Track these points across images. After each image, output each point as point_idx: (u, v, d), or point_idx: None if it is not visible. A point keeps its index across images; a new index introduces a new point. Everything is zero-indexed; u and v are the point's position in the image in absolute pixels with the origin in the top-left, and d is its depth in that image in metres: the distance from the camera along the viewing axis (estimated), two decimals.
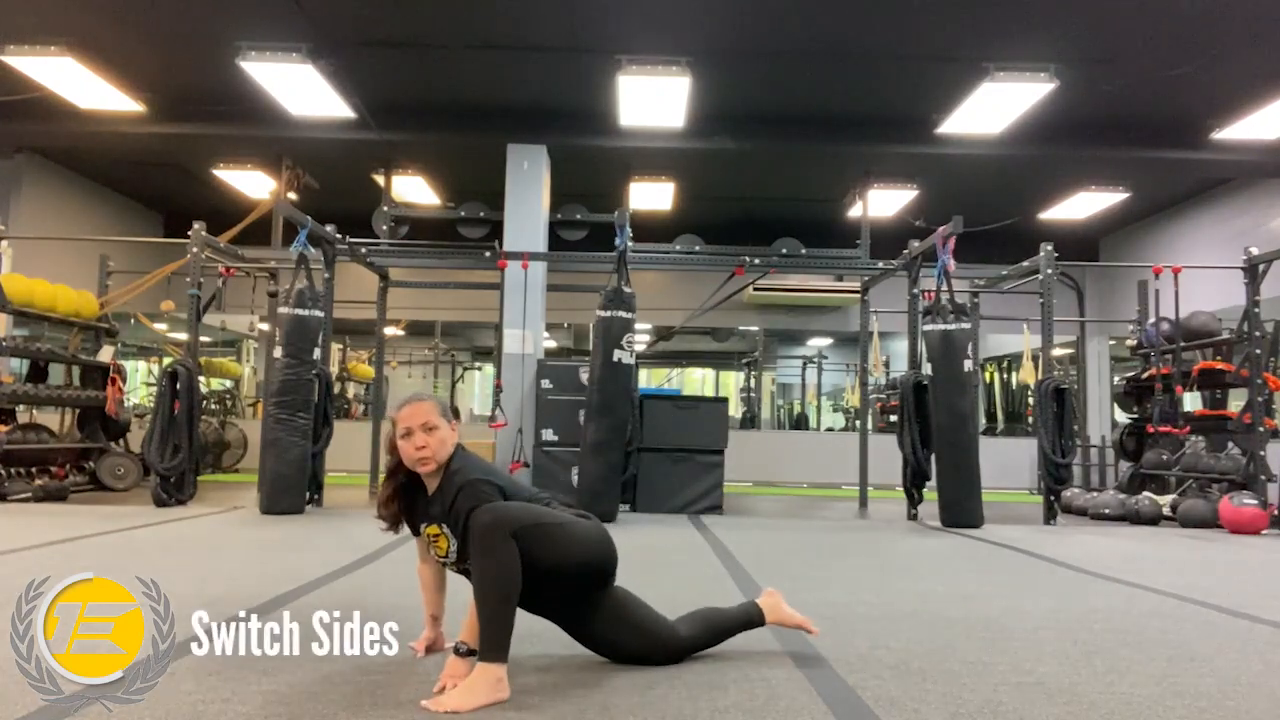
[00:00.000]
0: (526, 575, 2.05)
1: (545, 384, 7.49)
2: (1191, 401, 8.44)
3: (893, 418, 10.16)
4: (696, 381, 16.36)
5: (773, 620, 2.46)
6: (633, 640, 2.29)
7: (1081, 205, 10.92)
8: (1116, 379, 10.49)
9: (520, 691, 2.02)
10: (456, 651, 2.08)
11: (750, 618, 2.45)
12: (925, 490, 6.83)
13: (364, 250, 7.91)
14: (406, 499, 2.33)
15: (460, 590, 2.45)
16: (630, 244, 6.95)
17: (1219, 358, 7.62)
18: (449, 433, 2.24)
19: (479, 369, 15.07)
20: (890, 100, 8.28)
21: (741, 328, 13.61)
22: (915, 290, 7.40)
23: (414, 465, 2.22)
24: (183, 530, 5.08)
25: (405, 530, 2.39)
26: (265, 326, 10.59)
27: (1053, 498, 6.60)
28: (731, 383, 15.92)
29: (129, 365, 10.91)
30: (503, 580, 2.00)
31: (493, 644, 1.98)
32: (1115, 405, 10.91)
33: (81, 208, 10.96)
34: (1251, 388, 6.89)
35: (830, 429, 14.49)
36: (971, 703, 2.05)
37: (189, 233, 6.77)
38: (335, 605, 2.97)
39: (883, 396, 13.19)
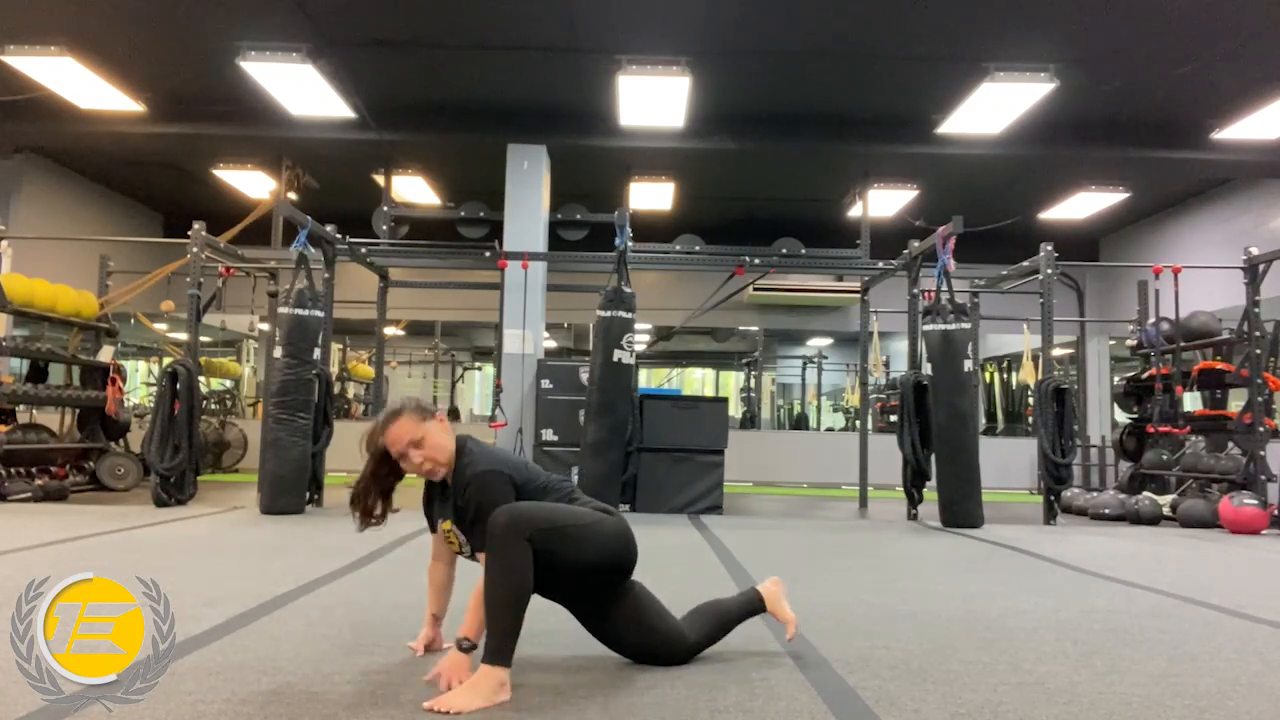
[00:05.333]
0: (543, 572, 2.05)
1: (545, 384, 7.49)
2: (1191, 401, 8.43)
3: (893, 418, 10.15)
4: (696, 381, 16.35)
5: (771, 609, 2.46)
6: (641, 640, 2.29)
7: (1081, 205, 10.91)
8: (1116, 379, 10.48)
9: (521, 692, 2.02)
10: (459, 647, 2.07)
11: (752, 606, 2.45)
12: (925, 490, 6.83)
13: (364, 250, 7.92)
14: (426, 496, 2.35)
15: (462, 591, 2.45)
16: (630, 244, 6.96)
17: (1219, 358, 7.61)
18: (436, 428, 2.20)
19: (479, 369, 15.07)
20: (890, 100, 8.28)
21: (741, 328, 13.61)
22: (915, 290, 7.40)
23: (427, 478, 2.22)
24: (183, 530, 5.08)
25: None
26: (265, 326, 10.59)
27: (1053, 498, 6.61)
28: (731, 383, 15.92)
29: (129, 365, 10.92)
30: (513, 586, 2.00)
31: (498, 648, 1.97)
32: (1115, 405, 10.91)
33: (81, 208, 10.96)
34: (1251, 388, 6.89)
35: (830, 429, 14.49)
36: (971, 703, 2.05)
37: (189, 233, 6.78)
38: (335, 605, 2.99)
39: (883, 396, 13.20)
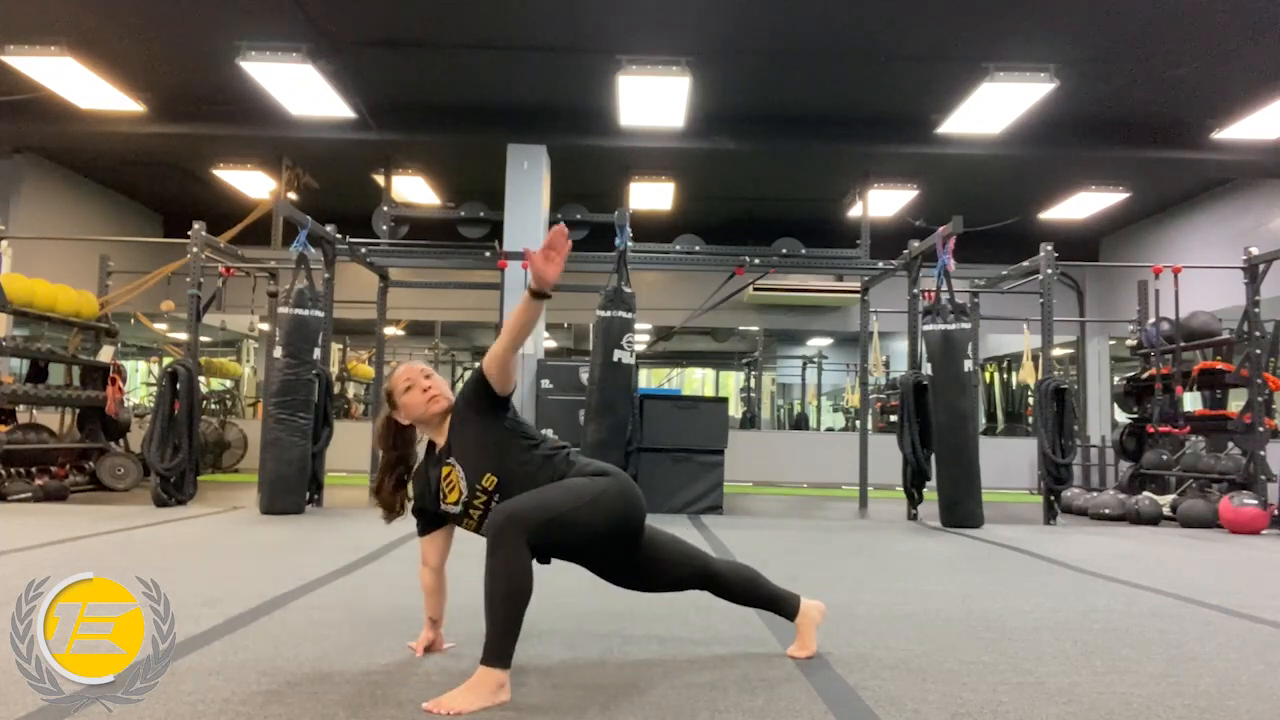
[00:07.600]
0: (554, 551, 2.18)
1: (545, 384, 7.49)
2: (1191, 401, 8.43)
3: (893, 418, 10.16)
4: (696, 381, 16.35)
5: (800, 623, 2.43)
6: (668, 576, 2.37)
7: (1081, 205, 10.91)
8: (1116, 379, 10.49)
9: (521, 692, 2.02)
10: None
11: (787, 602, 2.42)
12: (925, 490, 6.83)
13: (364, 250, 7.91)
14: (419, 484, 2.36)
15: (458, 593, 2.46)
16: (630, 244, 6.96)
17: (1219, 358, 7.61)
18: (442, 380, 2.35)
19: None
20: (890, 100, 8.28)
21: (741, 328, 13.60)
22: (915, 290, 7.40)
23: (427, 410, 2.27)
24: (183, 530, 5.08)
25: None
26: (265, 326, 10.59)
27: (1053, 498, 6.61)
28: (731, 383, 15.92)
29: (129, 365, 10.92)
30: (512, 586, 1.99)
31: (497, 649, 1.97)
32: (1115, 405, 10.91)
33: (81, 208, 10.96)
34: (1251, 388, 6.89)
35: (830, 429, 14.48)
36: (971, 703, 2.05)
37: (189, 233, 6.78)
38: (335, 605, 2.99)
39: (883, 396, 13.20)
